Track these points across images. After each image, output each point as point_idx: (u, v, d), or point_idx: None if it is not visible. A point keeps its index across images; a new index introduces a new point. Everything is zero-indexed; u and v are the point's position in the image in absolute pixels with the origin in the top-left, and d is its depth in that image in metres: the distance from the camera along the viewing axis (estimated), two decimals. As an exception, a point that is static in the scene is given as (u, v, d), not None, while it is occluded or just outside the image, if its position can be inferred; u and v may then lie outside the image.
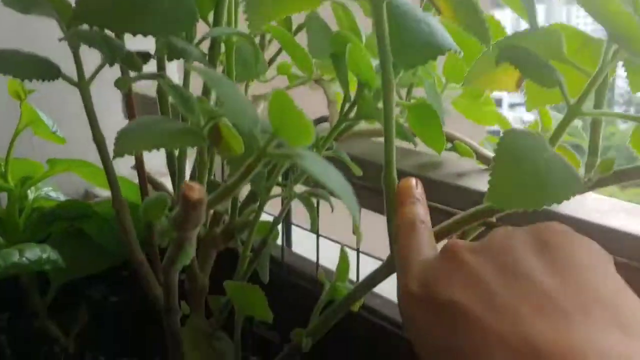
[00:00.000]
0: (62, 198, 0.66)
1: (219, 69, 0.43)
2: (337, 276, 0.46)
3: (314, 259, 0.61)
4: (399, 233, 0.34)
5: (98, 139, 0.42)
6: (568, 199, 0.32)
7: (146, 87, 0.69)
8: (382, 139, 0.37)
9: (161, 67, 0.41)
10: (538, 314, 0.25)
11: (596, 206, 0.42)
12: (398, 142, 0.38)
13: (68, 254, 0.57)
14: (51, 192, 0.65)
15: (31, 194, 0.63)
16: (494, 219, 0.38)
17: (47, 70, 0.35)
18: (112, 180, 0.44)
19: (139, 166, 0.56)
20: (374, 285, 0.42)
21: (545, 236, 0.30)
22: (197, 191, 0.26)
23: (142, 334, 0.67)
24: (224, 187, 0.32)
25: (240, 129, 0.31)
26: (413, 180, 0.37)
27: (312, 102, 0.50)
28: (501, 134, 0.33)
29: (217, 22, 0.39)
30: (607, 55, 0.36)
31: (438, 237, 0.37)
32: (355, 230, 0.44)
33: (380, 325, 0.52)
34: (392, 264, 0.40)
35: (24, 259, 0.52)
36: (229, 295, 0.44)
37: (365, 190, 0.41)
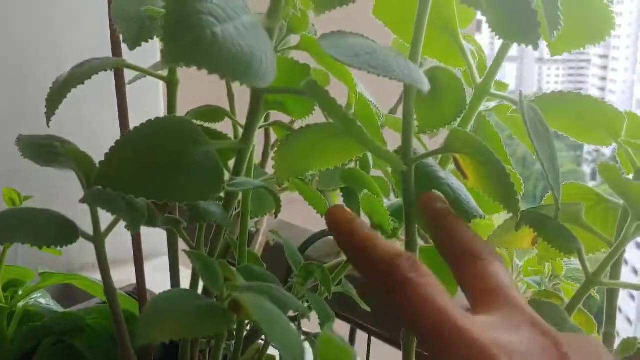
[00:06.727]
0: (52, 305, 0.63)
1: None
2: None
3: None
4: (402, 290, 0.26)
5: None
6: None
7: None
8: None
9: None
10: None
11: None
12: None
13: (56, 370, 0.55)
14: (40, 298, 0.63)
15: (19, 303, 0.60)
16: None
17: (65, 233, 0.34)
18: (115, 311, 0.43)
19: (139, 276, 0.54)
20: None
21: None
22: None
23: None
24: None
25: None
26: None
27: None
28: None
29: (236, 173, 0.38)
30: (629, 230, 0.37)
31: None
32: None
33: None
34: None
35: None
36: None
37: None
